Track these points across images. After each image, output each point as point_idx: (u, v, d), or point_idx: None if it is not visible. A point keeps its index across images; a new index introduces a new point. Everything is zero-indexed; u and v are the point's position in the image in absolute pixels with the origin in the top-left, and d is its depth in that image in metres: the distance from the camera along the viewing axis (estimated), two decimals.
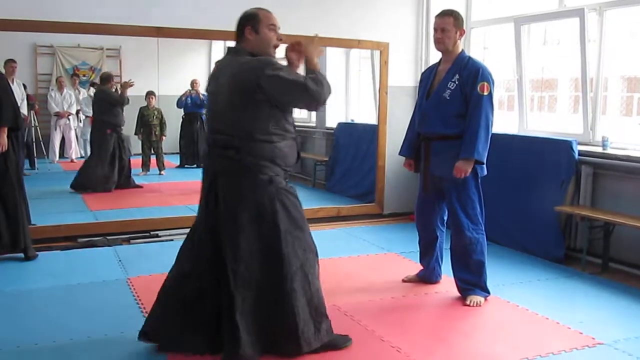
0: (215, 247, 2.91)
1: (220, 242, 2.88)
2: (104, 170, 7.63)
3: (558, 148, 4.90)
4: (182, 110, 9.31)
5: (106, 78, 8.14)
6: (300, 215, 2.95)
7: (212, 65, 3.13)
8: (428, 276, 4.17)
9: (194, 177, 9.02)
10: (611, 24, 4.92)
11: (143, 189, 7.90)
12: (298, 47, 2.99)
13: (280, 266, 2.83)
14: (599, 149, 4.81)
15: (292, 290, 2.84)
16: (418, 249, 4.20)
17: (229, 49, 3.02)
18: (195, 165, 9.13)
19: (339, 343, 3.05)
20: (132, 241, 5.20)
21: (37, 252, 4.65)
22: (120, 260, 4.63)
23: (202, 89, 8.92)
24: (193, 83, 9.03)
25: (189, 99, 9.12)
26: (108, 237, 5.18)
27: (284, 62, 2.97)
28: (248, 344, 2.79)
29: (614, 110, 5.30)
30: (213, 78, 3.00)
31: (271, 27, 2.92)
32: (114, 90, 8.05)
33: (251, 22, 2.90)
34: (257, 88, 2.75)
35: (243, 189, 2.84)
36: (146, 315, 3.46)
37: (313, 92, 2.83)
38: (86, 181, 7.52)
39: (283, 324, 2.86)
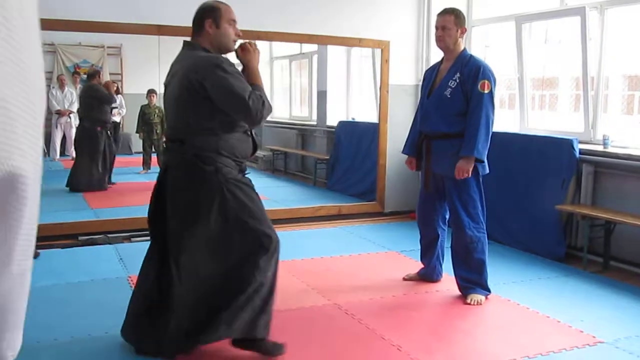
0: (163, 241, 2.92)
1: (166, 235, 2.89)
2: (98, 170, 7.56)
3: (559, 147, 4.89)
4: None
5: (93, 74, 8.03)
6: (255, 205, 2.86)
7: None
8: (429, 274, 4.17)
9: None
10: (612, 22, 4.91)
11: (144, 186, 7.87)
12: (241, 53, 2.93)
13: (226, 255, 2.80)
14: (600, 148, 4.80)
15: (240, 279, 2.78)
16: (419, 248, 4.20)
17: (185, 42, 2.96)
18: None
19: (269, 350, 2.92)
20: (132, 239, 5.21)
21: (39, 250, 4.66)
22: (121, 258, 4.64)
23: None
24: None
25: None
26: (109, 235, 5.18)
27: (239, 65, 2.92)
28: (182, 335, 2.80)
29: (615, 109, 5.29)
30: (169, 72, 2.97)
31: (231, 22, 2.87)
32: (102, 86, 7.94)
33: (212, 15, 2.85)
34: (201, 87, 2.73)
35: (189, 181, 2.81)
36: None
37: (252, 110, 2.74)
38: (81, 182, 7.44)
39: (231, 309, 2.79)
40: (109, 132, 7.83)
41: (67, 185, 7.45)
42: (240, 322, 2.79)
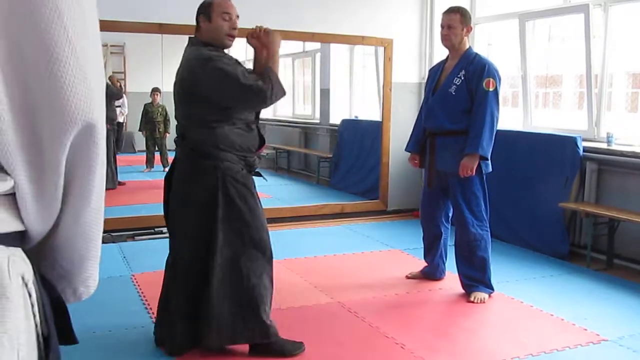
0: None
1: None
2: (111, 169, 7.59)
3: (563, 144, 4.88)
4: None
5: None
6: (247, 207, 2.81)
7: None
8: (432, 273, 4.17)
9: None
10: (616, 19, 4.90)
11: (148, 185, 7.91)
12: (264, 36, 2.88)
13: (209, 254, 2.78)
14: (604, 145, 4.79)
15: (216, 279, 2.77)
16: (422, 246, 4.20)
17: (189, 38, 2.96)
18: None
19: (286, 350, 2.91)
20: (136, 238, 5.22)
21: None
22: (124, 257, 4.64)
23: None
24: None
25: None
26: (112, 234, 5.19)
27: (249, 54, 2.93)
28: (181, 332, 2.84)
29: (619, 107, 5.28)
30: (178, 69, 2.98)
31: (224, 15, 2.79)
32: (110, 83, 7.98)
33: (204, 10, 2.83)
34: (192, 84, 2.75)
35: (188, 174, 2.86)
36: (150, 310, 3.49)
37: (254, 95, 2.73)
38: None
39: (206, 312, 2.80)
40: (115, 130, 7.88)
41: None
42: (237, 327, 2.81)
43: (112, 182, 7.59)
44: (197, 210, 2.81)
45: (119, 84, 8.24)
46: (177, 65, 2.93)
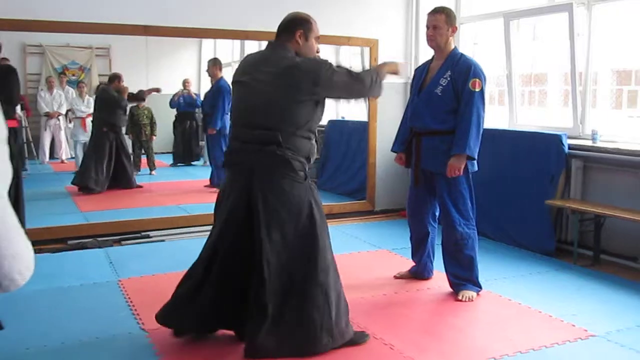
0: (243, 237, 2.89)
1: (249, 233, 2.86)
2: (98, 170, 7.60)
3: (548, 142, 4.91)
4: (174, 109, 9.29)
5: (112, 78, 8.24)
6: (322, 211, 3.02)
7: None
8: (420, 272, 4.17)
9: (185, 177, 9.02)
10: (599, 18, 4.94)
11: (135, 189, 7.86)
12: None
13: (316, 259, 2.84)
14: (589, 143, 4.82)
15: (327, 282, 2.85)
16: (409, 245, 4.21)
17: (271, 42, 3.00)
18: (185, 164, 9.14)
19: (358, 339, 3.07)
20: (123, 242, 5.17)
21: None
22: (111, 262, 4.60)
23: (193, 89, 8.92)
24: (185, 83, 9.00)
25: (181, 98, 9.09)
26: (99, 239, 5.14)
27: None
28: (270, 334, 2.80)
29: (604, 104, 5.31)
30: (249, 69, 2.95)
31: (317, 39, 3.02)
32: (118, 90, 8.09)
33: (304, 27, 2.94)
34: (314, 88, 2.81)
35: (283, 184, 2.83)
36: (137, 316, 3.46)
37: (366, 82, 3.06)
38: (82, 179, 7.54)
39: (313, 317, 2.83)
40: (118, 134, 7.94)
41: (72, 182, 7.52)
42: (338, 330, 2.90)
43: (101, 185, 7.60)
44: (297, 218, 2.84)
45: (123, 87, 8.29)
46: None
